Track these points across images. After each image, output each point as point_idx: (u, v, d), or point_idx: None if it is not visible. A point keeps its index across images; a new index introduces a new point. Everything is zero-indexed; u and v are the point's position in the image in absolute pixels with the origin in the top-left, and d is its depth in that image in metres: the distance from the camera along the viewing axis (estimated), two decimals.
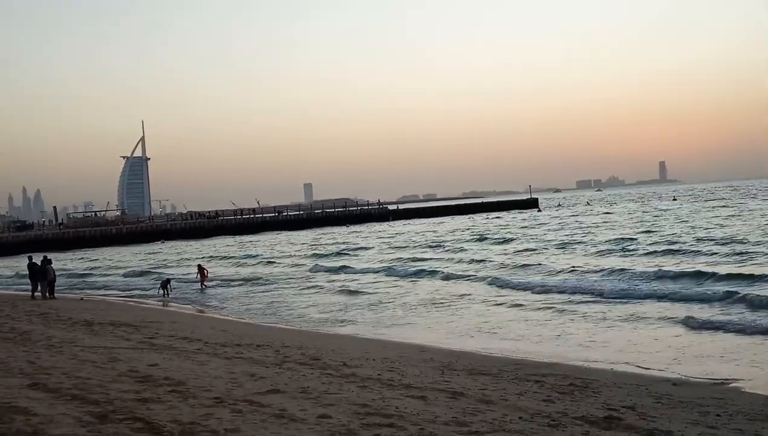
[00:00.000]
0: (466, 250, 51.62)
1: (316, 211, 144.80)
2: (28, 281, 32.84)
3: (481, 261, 41.71)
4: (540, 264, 37.12)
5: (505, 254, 46.16)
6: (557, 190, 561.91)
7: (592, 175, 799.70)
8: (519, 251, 47.23)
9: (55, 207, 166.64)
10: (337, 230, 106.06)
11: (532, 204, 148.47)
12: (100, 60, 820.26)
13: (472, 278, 33.74)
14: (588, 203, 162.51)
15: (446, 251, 52.09)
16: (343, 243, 69.98)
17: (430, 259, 45.80)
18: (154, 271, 49.65)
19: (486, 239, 61.46)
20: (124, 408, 8.56)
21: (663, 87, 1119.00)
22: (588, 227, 69.52)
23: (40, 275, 31.85)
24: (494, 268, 37.42)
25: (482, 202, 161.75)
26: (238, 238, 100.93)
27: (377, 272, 40.28)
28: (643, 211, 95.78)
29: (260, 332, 20.33)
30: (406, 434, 8.06)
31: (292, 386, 10.91)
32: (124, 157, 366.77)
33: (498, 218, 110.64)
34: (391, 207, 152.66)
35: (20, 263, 52.43)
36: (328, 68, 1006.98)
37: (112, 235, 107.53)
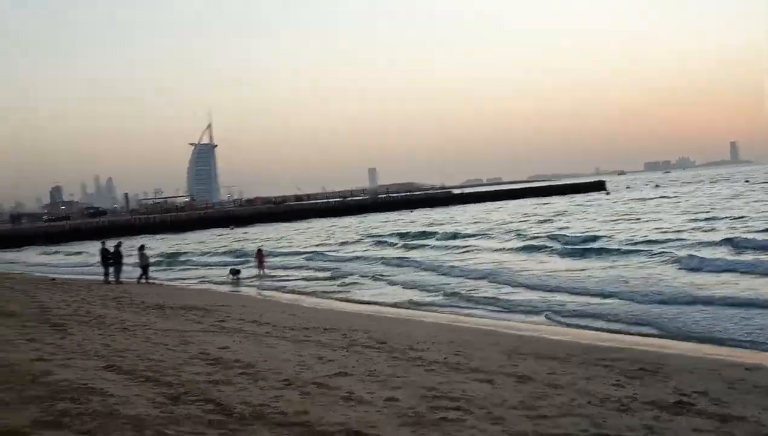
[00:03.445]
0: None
1: (380, 195, 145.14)
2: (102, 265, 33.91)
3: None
4: None
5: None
6: (622, 173, 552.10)
7: (661, 157, 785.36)
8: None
9: (126, 194, 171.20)
10: (402, 215, 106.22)
11: (599, 186, 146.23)
12: (170, 50, 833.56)
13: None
14: (657, 186, 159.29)
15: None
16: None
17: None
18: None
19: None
20: (196, 390, 8.73)
21: (734, 65, 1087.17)
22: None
23: (113, 260, 32.81)
24: None
25: (549, 185, 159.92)
26: (308, 222, 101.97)
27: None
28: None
29: (328, 316, 20.50)
30: (473, 418, 8.05)
31: (359, 369, 10.98)
32: (192, 145, 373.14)
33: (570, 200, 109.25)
34: (455, 191, 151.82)
35: (92, 249, 54.25)
36: (390, 52, 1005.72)
37: (181, 220, 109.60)
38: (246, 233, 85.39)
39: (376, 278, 31.94)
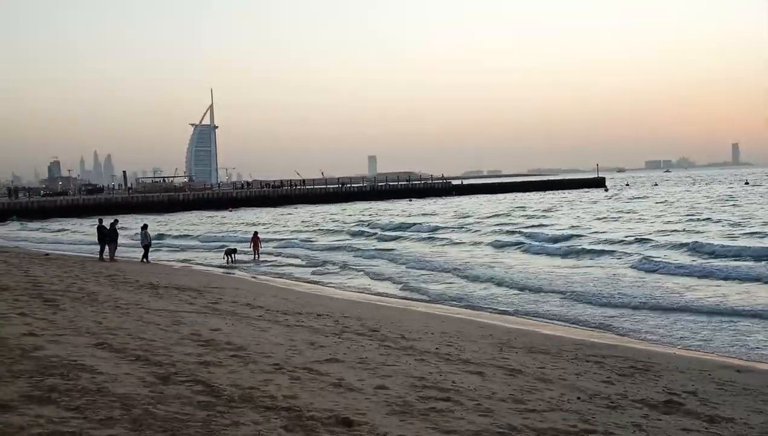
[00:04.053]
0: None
1: (379, 183, 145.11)
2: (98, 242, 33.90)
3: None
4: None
5: None
6: (621, 170, 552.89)
7: (662, 156, 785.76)
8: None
9: (124, 171, 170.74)
10: (400, 203, 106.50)
11: (599, 183, 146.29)
12: (172, 29, 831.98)
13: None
14: (656, 184, 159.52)
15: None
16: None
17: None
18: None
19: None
20: (186, 370, 8.72)
21: (736, 66, 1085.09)
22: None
23: (109, 238, 32.80)
24: None
25: (548, 180, 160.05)
26: (308, 207, 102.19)
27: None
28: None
29: (321, 302, 20.50)
30: (461, 409, 8.05)
31: (350, 356, 10.98)
32: (193, 125, 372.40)
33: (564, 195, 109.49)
34: (454, 182, 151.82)
35: (88, 225, 54.15)
36: (393, 41, 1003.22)
37: (179, 200, 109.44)
38: (240, 216, 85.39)
39: (346, 267, 32.25)
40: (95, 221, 36.76)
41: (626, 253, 31.65)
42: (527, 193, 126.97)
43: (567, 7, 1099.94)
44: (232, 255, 34.92)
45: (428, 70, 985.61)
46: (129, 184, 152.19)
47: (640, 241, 36.36)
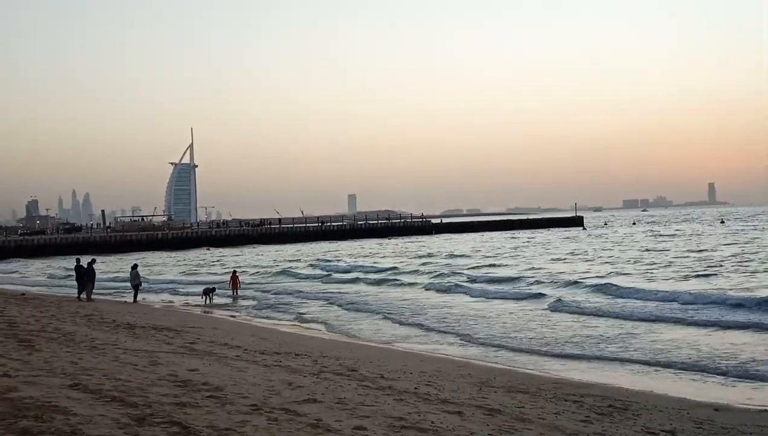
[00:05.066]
0: None
1: (359, 222, 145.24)
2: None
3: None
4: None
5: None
6: (598, 209, 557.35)
7: (639, 196, 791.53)
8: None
9: (103, 211, 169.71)
10: (379, 241, 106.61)
11: (577, 222, 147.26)
12: (151, 68, 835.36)
13: None
14: (634, 223, 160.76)
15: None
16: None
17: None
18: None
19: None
20: (162, 412, 8.63)
21: (713, 107, 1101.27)
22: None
23: (87, 277, 32.58)
24: None
25: (527, 219, 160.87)
26: (286, 246, 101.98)
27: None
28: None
29: (299, 341, 20.40)
30: None
31: (328, 396, 10.92)
32: (172, 164, 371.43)
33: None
34: (434, 220, 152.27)
35: (67, 264, 53.54)
36: (373, 79, 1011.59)
37: (158, 239, 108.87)
38: (220, 255, 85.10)
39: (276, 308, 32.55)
40: (70, 260, 36.49)
41: (542, 294, 33.20)
42: (503, 233, 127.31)
43: (542, 47, 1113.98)
44: (210, 294, 34.72)
45: (407, 112, 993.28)
46: (107, 223, 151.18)
47: (574, 282, 37.28)
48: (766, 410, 12.56)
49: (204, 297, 34.58)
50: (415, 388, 12.54)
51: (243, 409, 9.29)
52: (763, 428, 10.93)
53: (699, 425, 10.90)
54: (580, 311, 26.74)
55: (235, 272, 39.71)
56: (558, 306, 28.32)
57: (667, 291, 30.86)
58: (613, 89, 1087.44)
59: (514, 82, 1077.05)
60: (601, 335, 21.46)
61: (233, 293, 37.06)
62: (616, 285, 33.92)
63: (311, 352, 17.20)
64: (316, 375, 13.26)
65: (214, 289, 35.74)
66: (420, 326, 25.35)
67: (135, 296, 33.88)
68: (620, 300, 29.63)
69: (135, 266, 35.12)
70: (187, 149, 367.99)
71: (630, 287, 32.92)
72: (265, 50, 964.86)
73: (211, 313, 30.53)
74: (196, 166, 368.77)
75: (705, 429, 10.61)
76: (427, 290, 38.29)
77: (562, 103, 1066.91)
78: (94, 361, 12.73)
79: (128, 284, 36.58)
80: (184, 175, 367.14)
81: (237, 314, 30.45)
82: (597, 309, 27.09)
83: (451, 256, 65.95)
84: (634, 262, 50.68)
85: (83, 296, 32.27)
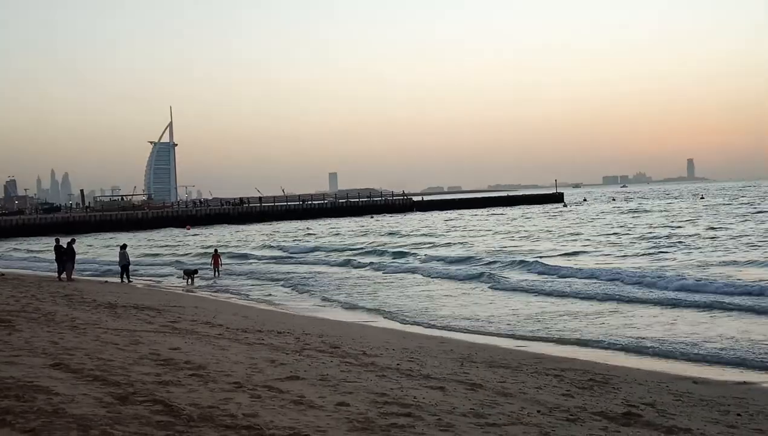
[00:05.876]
0: None
1: (340, 200, 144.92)
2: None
3: None
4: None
5: None
6: (577, 186, 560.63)
7: (619, 172, 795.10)
8: None
9: (82, 190, 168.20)
10: (361, 219, 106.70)
11: (557, 198, 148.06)
12: (130, 47, 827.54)
13: None
14: (612, 199, 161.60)
15: None
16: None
17: None
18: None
19: None
20: (145, 390, 8.62)
21: (692, 83, 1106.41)
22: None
23: (66, 257, 32.40)
24: None
25: (508, 196, 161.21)
26: (268, 224, 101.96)
27: None
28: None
29: (282, 319, 20.42)
30: (422, 424, 8.06)
31: (311, 373, 10.94)
32: (151, 143, 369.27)
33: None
34: (415, 198, 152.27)
35: (45, 244, 53.14)
36: (353, 58, 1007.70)
37: (137, 219, 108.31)
38: (196, 234, 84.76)
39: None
40: (49, 241, 36.30)
41: (483, 272, 33.42)
42: (484, 209, 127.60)
43: (523, 26, 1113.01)
44: (192, 276, 34.56)
45: (389, 89, 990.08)
46: (87, 203, 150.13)
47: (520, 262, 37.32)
48: (742, 382, 12.74)
49: (186, 278, 34.46)
50: (398, 364, 12.60)
51: (226, 387, 9.29)
52: (739, 399, 11.06)
53: (678, 397, 11.02)
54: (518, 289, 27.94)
55: (216, 250, 39.57)
56: (496, 285, 29.27)
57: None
58: (592, 68, 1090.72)
59: (495, 61, 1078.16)
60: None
61: (215, 272, 36.95)
62: (542, 263, 35.50)
63: (293, 330, 17.23)
64: (298, 352, 13.28)
65: (196, 271, 35.59)
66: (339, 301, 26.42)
67: (122, 276, 33.72)
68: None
69: (124, 246, 35.01)
70: (166, 128, 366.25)
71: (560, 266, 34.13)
72: (246, 29, 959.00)
73: (194, 292, 30.48)
74: (176, 144, 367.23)
75: (684, 401, 10.73)
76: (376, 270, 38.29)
77: (542, 81, 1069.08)
78: (75, 341, 12.69)
79: (110, 265, 36.37)
80: (163, 154, 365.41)
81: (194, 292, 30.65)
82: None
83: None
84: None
85: (63, 275, 32.11)
